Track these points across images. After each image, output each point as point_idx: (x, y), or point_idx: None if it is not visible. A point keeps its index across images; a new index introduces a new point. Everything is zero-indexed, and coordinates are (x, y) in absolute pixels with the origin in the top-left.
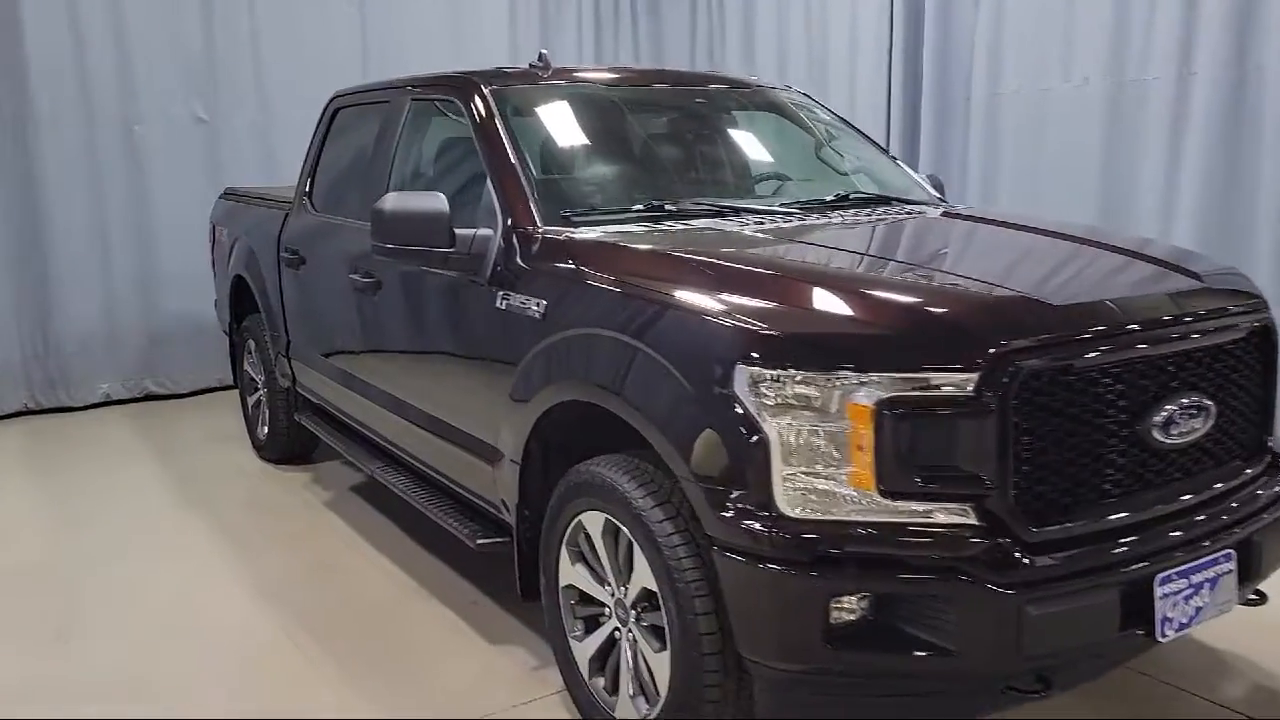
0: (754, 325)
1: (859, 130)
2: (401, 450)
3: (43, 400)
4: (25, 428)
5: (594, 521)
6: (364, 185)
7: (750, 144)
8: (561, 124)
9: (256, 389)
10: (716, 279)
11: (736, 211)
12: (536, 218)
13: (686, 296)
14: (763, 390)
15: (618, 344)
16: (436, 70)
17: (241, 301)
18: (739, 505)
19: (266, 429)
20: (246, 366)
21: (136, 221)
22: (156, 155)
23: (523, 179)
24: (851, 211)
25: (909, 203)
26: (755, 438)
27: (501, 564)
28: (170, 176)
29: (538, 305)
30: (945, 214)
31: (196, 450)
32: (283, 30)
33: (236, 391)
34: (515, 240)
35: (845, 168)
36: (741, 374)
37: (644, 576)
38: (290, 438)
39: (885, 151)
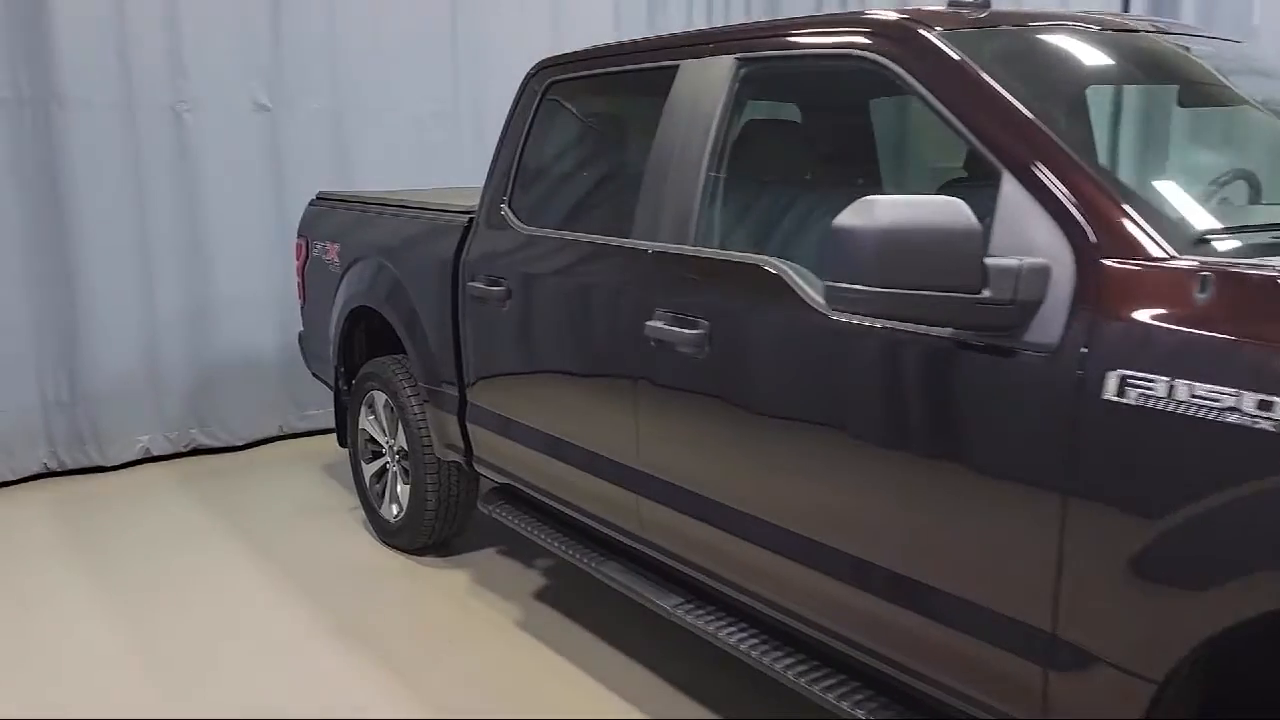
0: None
1: None
2: (739, 589)
3: (67, 459)
4: (50, 496)
5: None
6: (652, 192)
7: None
8: (1085, 89)
9: (380, 454)
10: None
11: None
12: (1160, 240)
13: None
14: None
15: None
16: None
17: (357, 341)
18: None
19: (399, 509)
20: (365, 424)
21: (184, 231)
22: (210, 149)
23: (1095, 174)
24: None
25: None
26: None
27: None
28: (226, 175)
29: (1263, 407)
30: None
31: (292, 531)
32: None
33: (299, 441)
34: (1125, 279)
35: None
36: None
37: None
38: (441, 523)
39: None
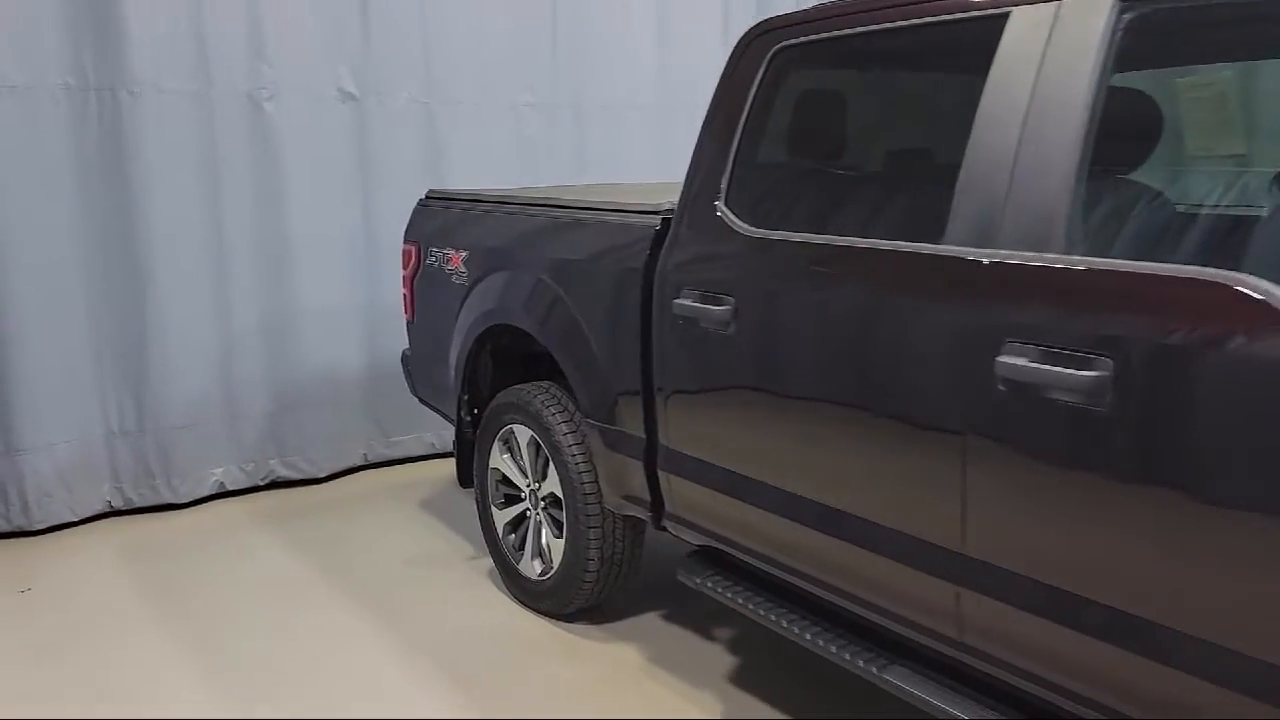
0: None
1: None
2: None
3: (134, 496)
4: (118, 539)
5: None
6: (979, 185)
7: None
8: None
9: (517, 499)
10: None
11: None
12: None
13: None
14: None
15: None
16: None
17: (482, 364)
18: None
19: (545, 567)
20: (498, 463)
21: (263, 234)
22: (291, 141)
23: None
24: None
25: None
26: None
27: None
28: (309, 170)
29: None
30: None
31: (406, 586)
32: None
33: (387, 472)
34: None
35: None
36: None
37: None
38: (602, 586)
39: None
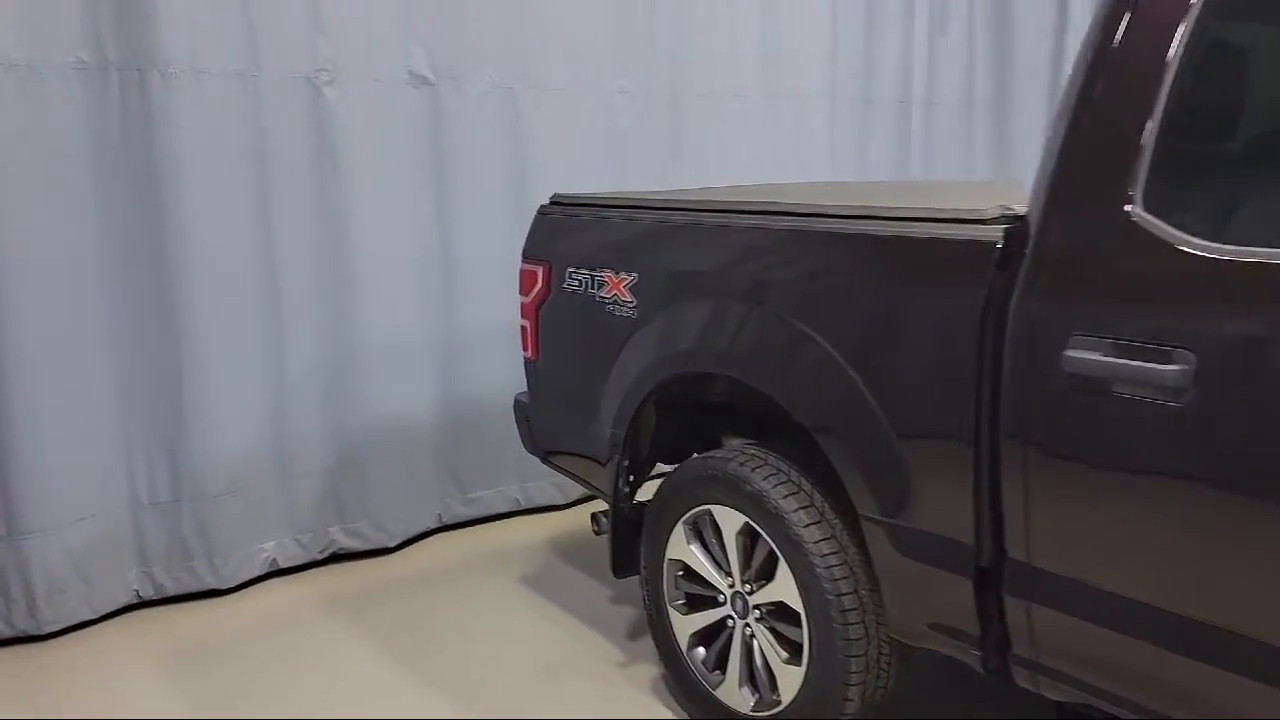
0: None
1: None
2: None
3: (168, 582)
4: (149, 642)
5: None
6: None
7: None
8: None
9: (714, 602)
10: None
11: None
12: None
13: None
14: None
15: None
16: None
17: (643, 420)
18: None
19: (766, 699)
20: (680, 553)
21: (321, 250)
22: (354, 134)
23: None
24: None
25: None
26: None
27: None
28: (374, 169)
29: None
30: None
31: (545, 707)
32: None
33: (466, 535)
34: None
35: None
36: None
37: None
38: None
39: None
